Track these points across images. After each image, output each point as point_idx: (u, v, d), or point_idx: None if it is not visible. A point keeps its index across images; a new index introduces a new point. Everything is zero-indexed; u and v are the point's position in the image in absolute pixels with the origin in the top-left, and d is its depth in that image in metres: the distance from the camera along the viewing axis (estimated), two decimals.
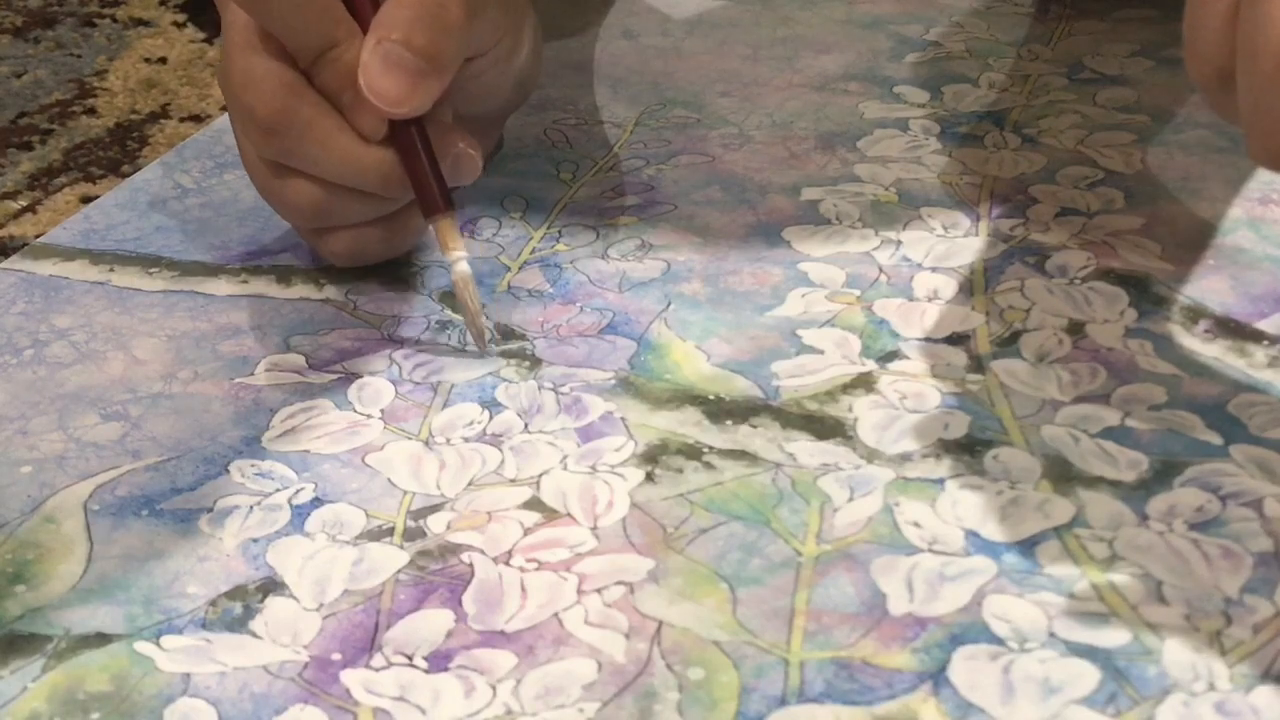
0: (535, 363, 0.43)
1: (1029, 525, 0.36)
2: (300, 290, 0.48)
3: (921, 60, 0.64)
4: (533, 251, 0.50)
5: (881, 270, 0.48)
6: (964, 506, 0.37)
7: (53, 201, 0.56)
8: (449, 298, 0.47)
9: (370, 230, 0.46)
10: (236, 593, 0.35)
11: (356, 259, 0.47)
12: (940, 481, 0.38)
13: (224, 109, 0.62)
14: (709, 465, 0.39)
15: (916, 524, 0.36)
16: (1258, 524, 0.36)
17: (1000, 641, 0.33)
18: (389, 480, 0.39)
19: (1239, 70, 0.32)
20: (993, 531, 0.36)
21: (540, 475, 0.39)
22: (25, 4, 0.75)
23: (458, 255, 0.43)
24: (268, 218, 0.51)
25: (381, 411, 0.42)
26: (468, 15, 0.43)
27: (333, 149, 0.43)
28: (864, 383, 0.42)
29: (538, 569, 0.35)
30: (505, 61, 0.47)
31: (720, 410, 0.41)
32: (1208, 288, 0.46)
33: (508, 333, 0.45)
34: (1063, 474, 0.38)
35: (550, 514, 0.37)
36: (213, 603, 0.35)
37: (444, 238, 0.44)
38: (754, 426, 0.40)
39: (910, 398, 0.41)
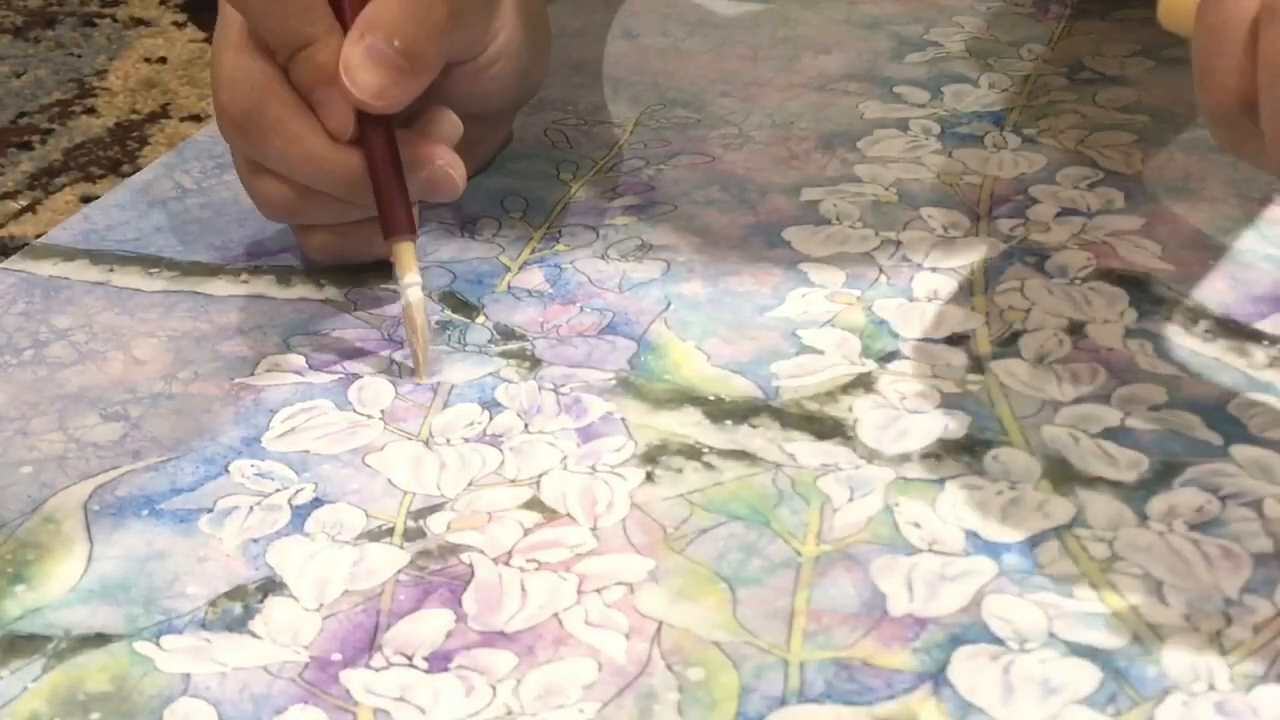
0: (535, 363, 0.43)
1: (1029, 525, 0.36)
2: (300, 290, 0.48)
3: (921, 60, 0.64)
4: (533, 251, 0.50)
5: (881, 270, 0.48)
6: (964, 507, 0.37)
7: (53, 201, 0.56)
8: (449, 297, 0.47)
9: (349, 231, 0.46)
10: (236, 593, 0.35)
11: (336, 258, 0.47)
12: (940, 482, 0.38)
13: None
14: (709, 465, 0.39)
15: (916, 524, 0.36)
16: (1258, 524, 0.36)
17: (1000, 642, 0.33)
18: (389, 480, 0.39)
19: (1264, 93, 0.32)
20: (993, 531, 0.36)
21: (540, 475, 0.39)
22: (25, 4, 0.75)
23: (411, 281, 0.42)
24: None
25: (381, 412, 0.42)
26: (452, 19, 0.43)
27: (299, 149, 0.43)
28: (864, 383, 0.42)
29: (538, 569, 0.35)
30: (511, 59, 0.47)
31: (720, 410, 0.41)
32: (1208, 288, 0.46)
33: (508, 333, 0.45)
34: (1063, 474, 0.38)
35: (550, 514, 0.37)
36: (213, 603, 0.35)
37: (400, 261, 0.43)
38: (754, 427, 0.40)
39: (910, 398, 0.41)
